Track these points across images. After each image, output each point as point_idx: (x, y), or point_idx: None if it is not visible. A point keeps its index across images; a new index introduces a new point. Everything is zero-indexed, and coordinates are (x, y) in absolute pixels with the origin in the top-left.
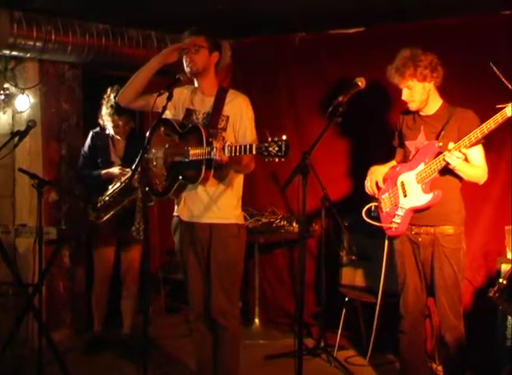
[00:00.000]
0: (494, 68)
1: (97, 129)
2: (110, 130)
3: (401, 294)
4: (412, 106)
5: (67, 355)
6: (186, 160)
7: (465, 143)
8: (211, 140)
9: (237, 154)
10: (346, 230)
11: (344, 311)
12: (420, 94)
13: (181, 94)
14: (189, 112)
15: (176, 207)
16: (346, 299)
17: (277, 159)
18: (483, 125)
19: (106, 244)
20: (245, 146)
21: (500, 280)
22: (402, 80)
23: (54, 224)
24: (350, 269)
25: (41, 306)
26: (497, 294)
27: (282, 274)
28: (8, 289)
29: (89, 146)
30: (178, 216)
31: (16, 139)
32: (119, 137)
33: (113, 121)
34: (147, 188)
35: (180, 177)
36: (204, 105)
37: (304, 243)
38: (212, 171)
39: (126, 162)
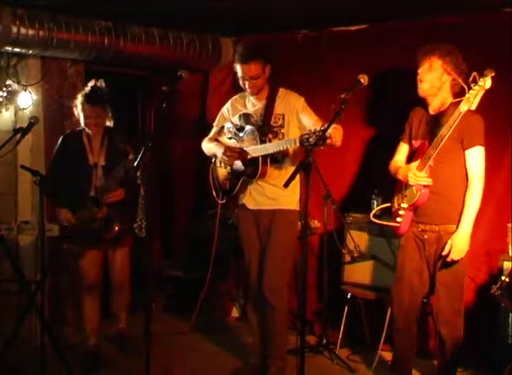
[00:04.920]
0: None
1: (69, 130)
2: (81, 122)
3: (396, 289)
4: (422, 87)
5: (70, 352)
6: (247, 159)
7: (425, 160)
8: (264, 139)
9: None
10: (349, 227)
11: (346, 308)
12: (436, 78)
13: (233, 105)
14: (246, 116)
15: (240, 196)
16: (349, 296)
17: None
18: (443, 128)
19: (93, 245)
20: (289, 140)
21: (503, 278)
22: (430, 56)
23: (56, 221)
24: (352, 266)
25: (44, 303)
26: (499, 292)
27: None
28: (10, 286)
29: (59, 148)
30: (244, 204)
31: (19, 136)
32: (89, 131)
33: (83, 110)
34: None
35: (243, 175)
36: (259, 107)
37: (307, 240)
38: (268, 166)
39: (107, 167)
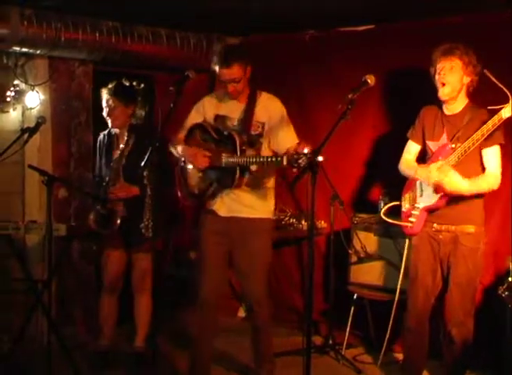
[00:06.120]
0: (489, 74)
1: (106, 131)
2: (104, 113)
3: (410, 289)
4: (445, 91)
5: (77, 351)
6: (222, 166)
7: (451, 162)
8: (244, 148)
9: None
10: (356, 228)
11: (353, 308)
12: (457, 80)
13: (210, 102)
14: (222, 119)
15: (210, 202)
16: (355, 297)
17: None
18: (478, 131)
19: (115, 246)
20: (276, 157)
21: (510, 279)
22: (451, 57)
23: (63, 221)
24: (358, 266)
25: (51, 302)
26: (506, 293)
27: (290, 271)
28: (18, 285)
29: (97, 152)
30: (213, 211)
31: (26, 136)
32: (109, 123)
33: (106, 101)
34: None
35: (215, 182)
36: (237, 111)
37: (313, 241)
38: (245, 178)
39: (127, 170)
